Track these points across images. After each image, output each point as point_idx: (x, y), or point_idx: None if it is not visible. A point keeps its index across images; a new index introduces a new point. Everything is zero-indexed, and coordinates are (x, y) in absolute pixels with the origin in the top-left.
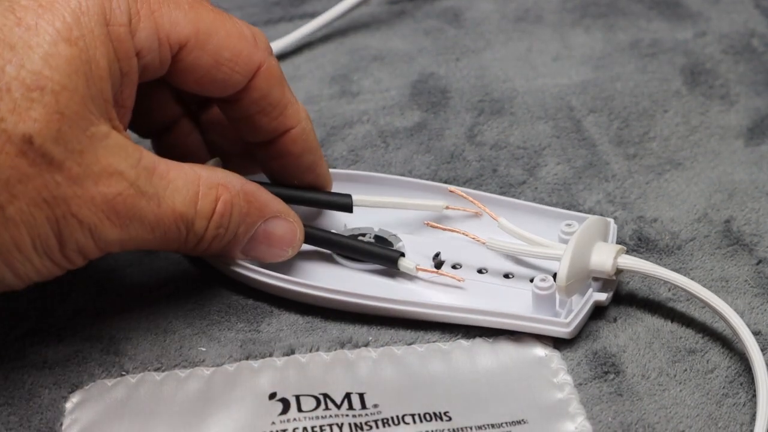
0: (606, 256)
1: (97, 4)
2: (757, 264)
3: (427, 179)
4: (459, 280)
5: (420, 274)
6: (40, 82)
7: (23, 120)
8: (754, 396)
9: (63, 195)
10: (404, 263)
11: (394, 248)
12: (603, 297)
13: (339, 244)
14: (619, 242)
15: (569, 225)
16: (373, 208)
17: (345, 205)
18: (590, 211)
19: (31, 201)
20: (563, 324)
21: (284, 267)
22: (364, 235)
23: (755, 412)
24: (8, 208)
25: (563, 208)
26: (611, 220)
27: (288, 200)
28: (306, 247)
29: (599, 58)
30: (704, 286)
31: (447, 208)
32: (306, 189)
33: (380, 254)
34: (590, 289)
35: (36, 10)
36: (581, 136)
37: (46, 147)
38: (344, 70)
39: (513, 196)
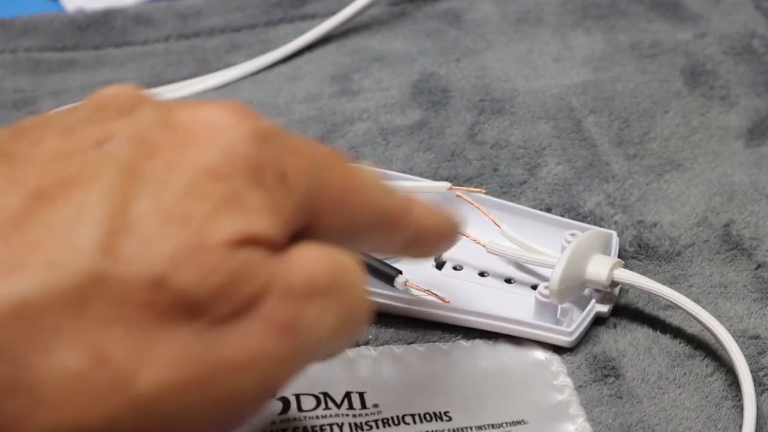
0: (602, 268)
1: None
2: (756, 269)
3: (428, 177)
4: (446, 302)
5: (408, 288)
6: (179, 212)
7: (153, 258)
8: None
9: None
10: (400, 280)
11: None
12: (605, 309)
13: None
14: (620, 250)
15: (573, 235)
16: None
17: None
18: (590, 214)
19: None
20: (566, 333)
21: None
22: None
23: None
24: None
25: (563, 209)
26: (613, 233)
27: None
28: None
29: (600, 59)
30: (703, 292)
31: (450, 189)
32: None
33: (378, 270)
34: (592, 300)
35: (174, 145)
36: (582, 137)
37: (185, 289)
38: (345, 70)
39: (513, 196)
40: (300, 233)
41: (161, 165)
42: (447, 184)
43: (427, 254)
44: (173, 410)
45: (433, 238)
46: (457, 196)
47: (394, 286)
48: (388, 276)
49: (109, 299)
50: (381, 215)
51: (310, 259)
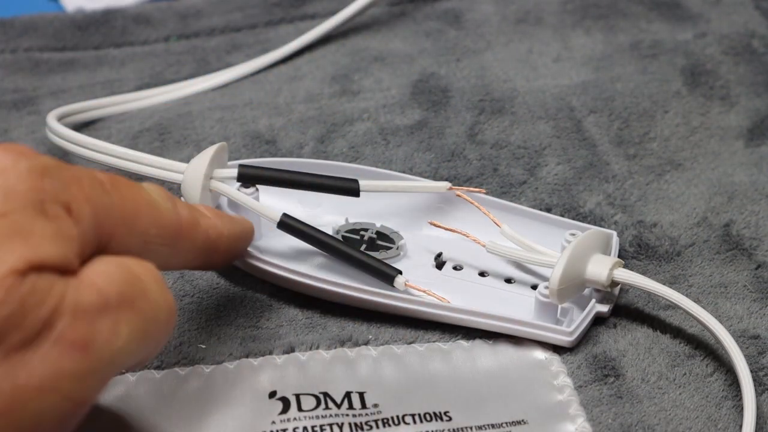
0: (602, 268)
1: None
2: (756, 269)
3: (428, 177)
4: (446, 302)
5: (408, 289)
6: None
7: None
8: None
9: None
10: (399, 281)
11: (396, 245)
12: (605, 309)
13: (338, 252)
14: (620, 249)
15: (573, 234)
16: (374, 204)
17: (351, 189)
18: (590, 214)
19: None
20: (566, 332)
21: (285, 257)
22: (366, 230)
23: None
24: None
25: (563, 209)
26: (613, 234)
27: (293, 185)
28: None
29: (600, 59)
30: (703, 292)
31: (450, 189)
32: (312, 174)
33: (378, 270)
34: (593, 300)
35: None
36: (582, 137)
37: None
38: (345, 70)
39: (513, 196)
40: (92, 256)
41: None
42: (447, 184)
43: (223, 260)
44: None
45: (225, 243)
46: (457, 195)
47: (394, 286)
48: (388, 276)
49: None
50: (169, 229)
51: (99, 274)
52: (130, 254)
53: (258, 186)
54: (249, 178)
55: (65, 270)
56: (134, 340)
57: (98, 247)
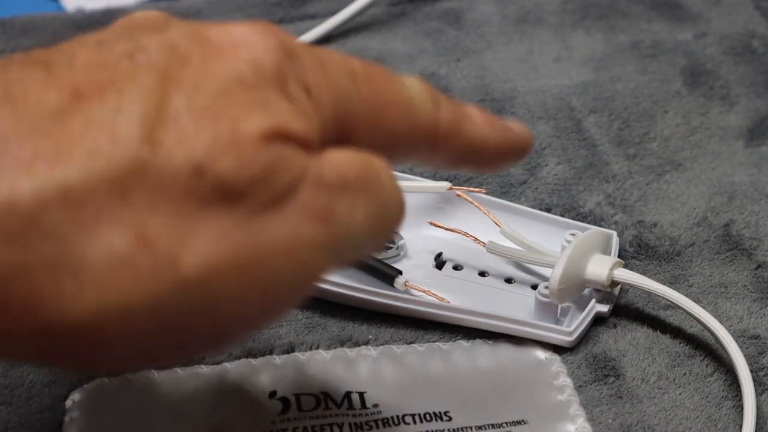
0: (602, 268)
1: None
2: (756, 269)
3: (428, 177)
4: (446, 302)
5: (408, 289)
6: (214, 110)
7: (192, 148)
8: None
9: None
10: (399, 281)
11: (396, 245)
12: (604, 309)
13: None
14: (620, 249)
15: (573, 234)
16: None
17: None
18: (590, 214)
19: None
20: (566, 332)
21: None
22: None
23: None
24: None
25: (564, 209)
26: (613, 233)
27: None
28: None
29: (600, 59)
30: (703, 292)
31: (450, 188)
32: None
33: (377, 270)
34: (592, 300)
35: (204, 56)
36: (582, 137)
37: (223, 177)
38: None
39: (513, 196)
40: (331, 144)
41: (193, 71)
42: (447, 184)
43: (487, 168)
44: (216, 293)
45: (491, 154)
46: (458, 195)
47: (393, 287)
48: (387, 276)
49: (151, 186)
50: (422, 132)
51: (340, 158)
52: (374, 149)
53: None
54: None
55: (307, 143)
56: (369, 224)
57: (339, 137)
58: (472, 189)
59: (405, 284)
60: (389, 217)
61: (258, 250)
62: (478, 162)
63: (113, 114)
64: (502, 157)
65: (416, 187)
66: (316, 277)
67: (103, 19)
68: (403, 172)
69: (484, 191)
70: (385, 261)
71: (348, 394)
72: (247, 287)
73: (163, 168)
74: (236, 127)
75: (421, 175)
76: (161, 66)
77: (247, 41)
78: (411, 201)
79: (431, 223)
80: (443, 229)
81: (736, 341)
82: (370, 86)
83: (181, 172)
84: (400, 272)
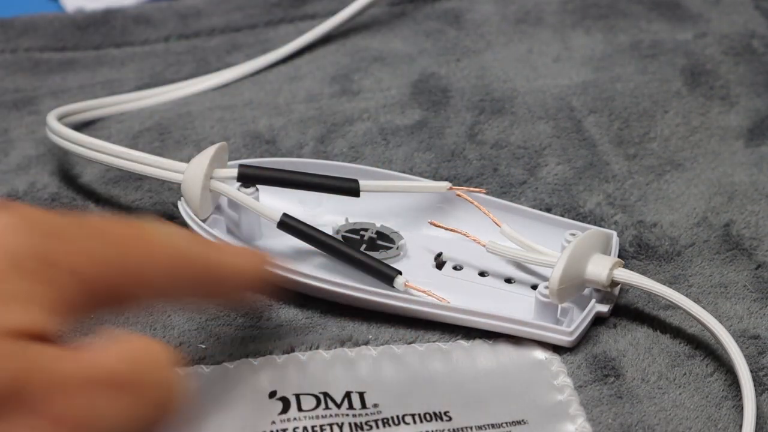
0: (602, 268)
1: None
2: (756, 269)
3: (428, 177)
4: (446, 302)
5: (408, 289)
6: None
7: None
8: None
9: None
10: (399, 281)
11: (396, 245)
12: (604, 309)
13: (338, 252)
14: (620, 249)
15: (573, 234)
16: (374, 204)
17: (352, 189)
18: (590, 214)
19: None
20: (566, 332)
21: (285, 257)
22: (366, 230)
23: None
24: None
25: (564, 209)
26: (613, 234)
27: (293, 185)
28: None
29: (600, 59)
30: (703, 292)
31: (450, 189)
32: (312, 174)
33: (377, 270)
34: (592, 300)
35: None
36: (582, 137)
37: None
38: (345, 70)
39: (514, 196)
40: (100, 309)
41: None
42: (447, 184)
43: (230, 297)
44: None
45: (243, 278)
46: (458, 195)
47: (393, 287)
48: (387, 276)
49: None
50: (186, 270)
51: (99, 350)
52: (138, 301)
53: (258, 186)
54: (249, 178)
55: (51, 335)
56: (124, 423)
57: (102, 302)
58: (472, 189)
59: (405, 284)
60: (152, 416)
61: None
62: (237, 287)
63: None
64: (244, 278)
65: (416, 187)
66: None
67: (103, 19)
68: (403, 172)
69: (485, 191)
70: (385, 261)
71: (348, 394)
72: None
73: None
74: None
75: (421, 174)
76: None
77: None
78: (411, 201)
79: (431, 223)
80: (443, 229)
81: (736, 341)
82: (120, 242)
83: None
84: (400, 272)
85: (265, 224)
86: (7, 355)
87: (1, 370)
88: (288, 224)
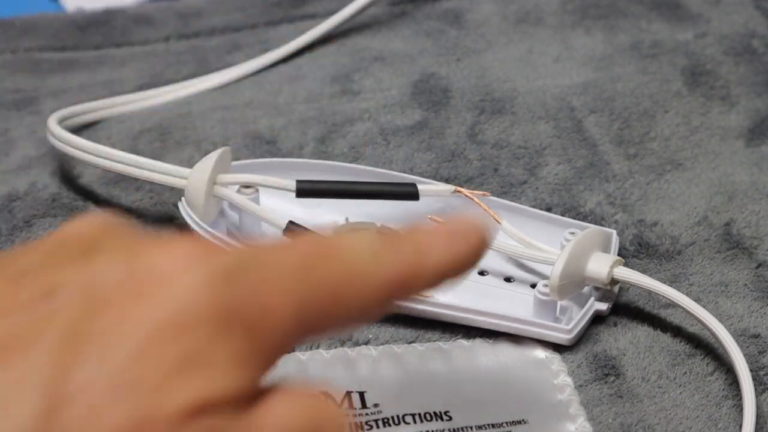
0: (602, 266)
1: None
2: (757, 267)
3: (428, 177)
4: (428, 296)
5: None
6: (127, 378)
7: None
8: None
9: None
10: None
11: None
12: (604, 307)
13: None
14: (620, 249)
15: (573, 233)
16: (374, 204)
17: (411, 194)
18: (591, 213)
19: None
20: (565, 330)
21: None
22: (366, 230)
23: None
24: None
25: (564, 208)
26: (613, 232)
27: (352, 195)
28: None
29: (600, 59)
30: (704, 291)
31: (456, 191)
32: (370, 183)
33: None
34: (592, 298)
35: (128, 296)
36: (582, 137)
37: None
38: (345, 70)
39: (514, 196)
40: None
41: (110, 322)
42: (452, 187)
43: (456, 278)
44: None
45: (458, 269)
46: (457, 191)
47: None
48: (409, 194)
49: None
50: (389, 286)
51: (283, 415)
52: (346, 327)
53: (259, 188)
54: (308, 192)
55: (243, 399)
56: None
57: (298, 341)
58: (475, 192)
59: None
60: None
61: None
62: (451, 277)
63: (14, 389)
64: (469, 263)
65: (424, 191)
66: None
67: (103, 19)
68: (404, 172)
69: (488, 194)
70: None
71: (348, 394)
72: None
73: None
74: (152, 403)
75: (421, 175)
76: (73, 316)
77: (177, 272)
78: (411, 201)
79: (431, 219)
80: None
81: (737, 340)
82: (319, 274)
83: None
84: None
85: (266, 225)
86: None
87: None
88: (294, 231)
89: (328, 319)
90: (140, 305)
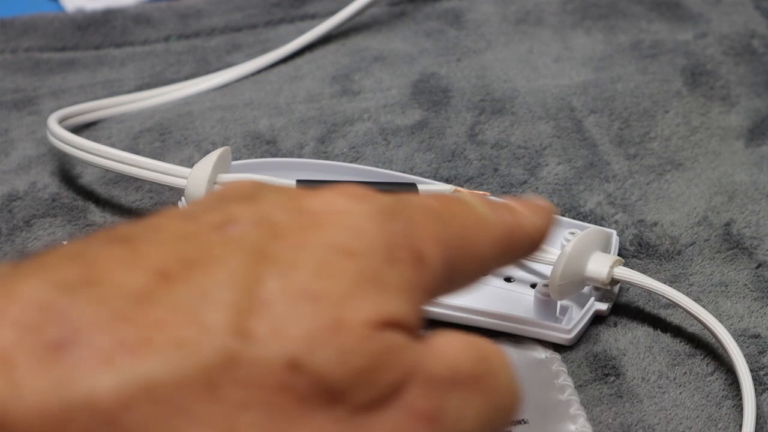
0: (602, 266)
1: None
2: (757, 268)
3: (429, 177)
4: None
5: None
6: (312, 291)
7: (287, 339)
8: None
9: None
10: None
11: None
12: (603, 307)
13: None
14: (620, 249)
15: (573, 233)
16: None
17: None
18: (591, 213)
19: None
20: (565, 330)
21: None
22: None
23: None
24: None
25: (564, 208)
26: (613, 232)
27: None
28: None
29: (600, 59)
30: (704, 291)
31: (456, 191)
32: (369, 183)
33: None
34: (592, 298)
35: (300, 227)
36: (582, 137)
37: (323, 372)
38: (345, 70)
39: (514, 196)
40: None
41: (289, 245)
42: (452, 187)
43: (530, 255)
44: None
45: (542, 238)
46: (456, 191)
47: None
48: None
49: (243, 382)
50: (502, 243)
51: (453, 347)
52: (469, 280)
53: None
54: None
55: (415, 328)
56: (481, 424)
57: (447, 284)
58: (475, 192)
59: None
60: (504, 414)
61: None
62: (533, 251)
63: (201, 299)
64: (546, 237)
65: (420, 190)
66: None
67: (103, 19)
68: (404, 172)
69: (488, 194)
70: None
71: None
72: None
73: (256, 362)
74: (338, 314)
75: (421, 175)
76: (253, 241)
77: (345, 208)
78: None
79: None
80: None
81: (737, 340)
82: (455, 220)
83: (275, 367)
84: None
85: None
86: (391, 350)
87: (386, 373)
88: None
89: (465, 262)
90: (315, 234)
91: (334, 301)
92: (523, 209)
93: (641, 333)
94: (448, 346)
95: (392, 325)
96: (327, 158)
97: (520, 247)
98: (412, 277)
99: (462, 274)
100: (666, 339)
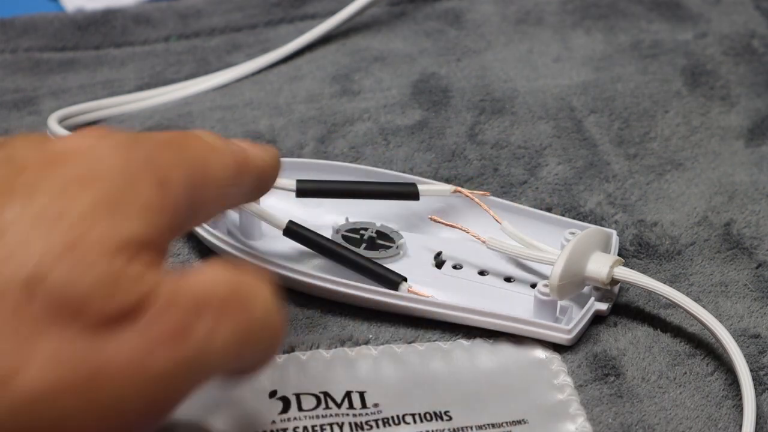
0: (602, 265)
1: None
2: (757, 268)
3: (429, 177)
4: (428, 296)
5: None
6: (51, 214)
7: (24, 259)
8: None
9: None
10: (404, 288)
11: (396, 245)
12: (603, 307)
13: (344, 259)
14: (620, 249)
15: (572, 233)
16: (374, 204)
17: (411, 194)
18: (591, 213)
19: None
20: (565, 330)
21: (285, 256)
22: (366, 229)
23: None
24: None
25: (564, 208)
26: (613, 232)
27: (352, 195)
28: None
29: (600, 59)
30: (704, 291)
31: (455, 191)
32: (370, 183)
33: (383, 277)
34: (592, 298)
35: (44, 163)
36: (582, 137)
37: (60, 286)
38: (345, 70)
39: (514, 196)
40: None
41: (30, 178)
42: (451, 187)
43: (263, 191)
44: (54, 413)
45: (269, 173)
46: (456, 191)
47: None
48: (392, 282)
49: None
50: (233, 168)
51: (206, 275)
52: (210, 206)
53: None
54: (308, 192)
55: (160, 249)
56: (234, 347)
57: (191, 209)
58: (475, 192)
59: (408, 290)
60: (258, 339)
61: (98, 371)
62: (263, 185)
63: None
64: (274, 172)
65: (423, 191)
66: (174, 399)
67: (103, 19)
68: (404, 172)
69: (488, 194)
70: (385, 260)
71: (348, 394)
72: (86, 409)
73: None
74: (75, 233)
75: (421, 175)
76: None
77: (87, 144)
78: (411, 201)
79: (431, 218)
80: (444, 225)
81: (737, 340)
82: (190, 148)
83: (13, 285)
84: (405, 279)
85: (266, 225)
86: (129, 269)
87: (126, 291)
88: (294, 231)
89: (204, 186)
90: (58, 167)
91: (72, 222)
92: (249, 146)
93: (641, 333)
94: (202, 274)
95: (132, 246)
96: (327, 158)
97: (251, 177)
98: (154, 199)
99: (203, 199)
100: (666, 339)
